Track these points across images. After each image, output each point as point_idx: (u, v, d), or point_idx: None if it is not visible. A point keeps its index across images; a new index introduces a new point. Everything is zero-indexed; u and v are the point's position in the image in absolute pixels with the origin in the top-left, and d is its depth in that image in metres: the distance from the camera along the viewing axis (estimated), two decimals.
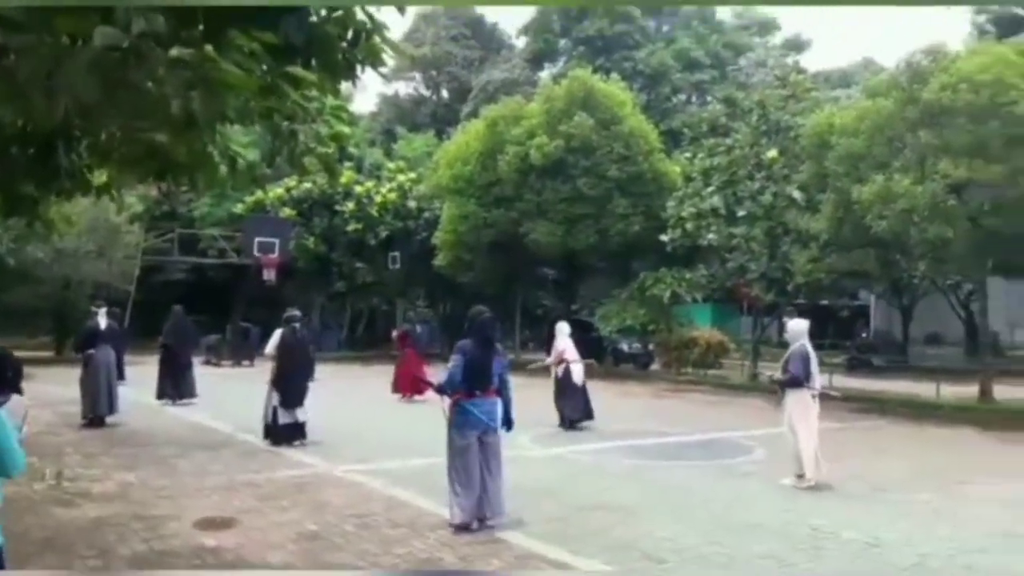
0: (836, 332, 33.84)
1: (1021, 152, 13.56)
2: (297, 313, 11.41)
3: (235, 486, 8.09)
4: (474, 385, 6.61)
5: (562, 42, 46.18)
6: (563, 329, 13.39)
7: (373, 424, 13.13)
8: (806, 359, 8.66)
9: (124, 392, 13.59)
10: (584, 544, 6.18)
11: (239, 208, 30.66)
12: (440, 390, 6.72)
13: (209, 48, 3.43)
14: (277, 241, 28.40)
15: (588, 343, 26.83)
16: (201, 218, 32.82)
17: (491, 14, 51.55)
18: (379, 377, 19.48)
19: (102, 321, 12.84)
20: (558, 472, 9.26)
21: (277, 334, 10.86)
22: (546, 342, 31.34)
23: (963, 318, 27.49)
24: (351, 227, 30.52)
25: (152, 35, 3.26)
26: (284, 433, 10.50)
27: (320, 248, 30.87)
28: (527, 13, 47.80)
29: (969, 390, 16.20)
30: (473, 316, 6.87)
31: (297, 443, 10.47)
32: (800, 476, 8.51)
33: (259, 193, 30.54)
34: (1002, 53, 14.50)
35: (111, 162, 5.39)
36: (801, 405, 8.66)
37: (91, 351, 12.49)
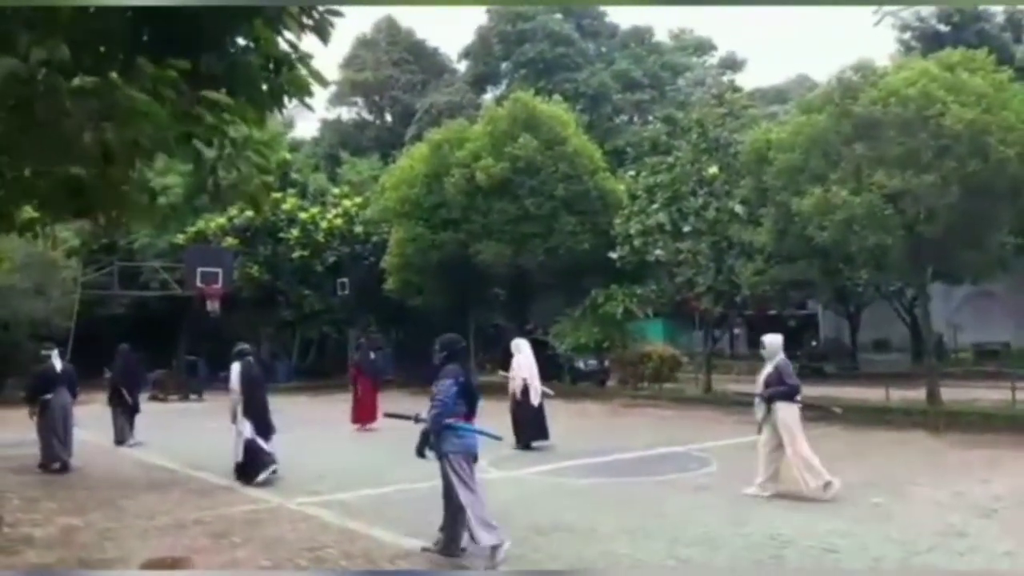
0: (786, 341, 34.43)
1: (950, 162, 14.02)
2: (247, 346, 11.11)
3: (185, 525, 7.85)
4: (470, 409, 6.49)
5: (503, 65, 46.56)
6: (521, 346, 13.35)
7: (324, 456, 12.90)
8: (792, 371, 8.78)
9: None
10: (544, 566, 6.13)
11: (180, 239, 30.06)
12: (437, 420, 6.27)
13: (114, 75, 3.33)
14: (220, 271, 27.89)
15: (545, 362, 26.95)
16: (141, 250, 32.03)
17: (432, 38, 51.84)
18: (330, 407, 19.20)
19: (57, 363, 12.11)
20: (517, 494, 9.20)
21: (236, 368, 10.48)
22: (502, 361, 31.38)
23: (908, 323, 28.22)
24: (297, 254, 30.12)
25: (56, 65, 3.16)
26: (262, 462, 10.12)
27: (265, 277, 30.37)
28: (468, 37, 48.18)
29: (917, 394, 16.58)
30: (450, 343, 6.65)
31: (271, 472, 10.15)
32: (828, 484, 8.39)
33: (200, 223, 30.01)
34: (926, 68, 15.02)
35: (32, 199, 5.19)
36: (793, 417, 8.68)
37: (48, 396, 11.77)
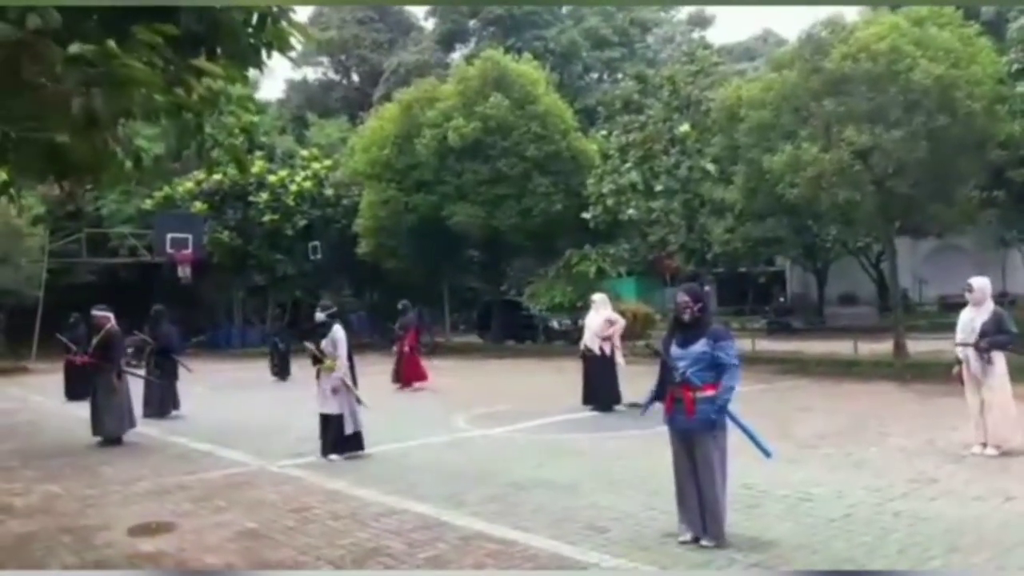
0: (755, 298, 34.92)
1: (919, 117, 14.17)
2: (330, 303, 10.07)
3: (167, 490, 7.86)
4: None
5: (471, 22, 45.98)
6: (601, 300, 13.01)
7: (301, 418, 12.89)
8: None
9: (38, 401, 13.02)
10: (526, 520, 6.23)
11: (148, 204, 29.62)
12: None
13: (111, 43, 3.27)
14: (190, 236, 27.61)
15: (520, 322, 27.09)
16: (109, 217, 31.56)
17: None
18: (302, 370, 19.13)
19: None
20: (496, 451, 9.32)
21: (341, 332, 9.20)
22: (477, 324, 31.47)
23: (874, 278, 28.73)
24: (267, 218, 29.79)
25: (49, 32, 3.10)
26: (357, 438, 9.25)
27: (235, 241, 30.05)
28: None
29: (884, 346, 16.92)
30: (703, 293, 5.80)
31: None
32: (998, 446, 7.93)
33: (168, 188, 29.56)
34: (896, 22, 15.09)
35: (6, 163, 5.10)
36: (1005, 368, 8.11)
37: (123, 360, 11.07)
